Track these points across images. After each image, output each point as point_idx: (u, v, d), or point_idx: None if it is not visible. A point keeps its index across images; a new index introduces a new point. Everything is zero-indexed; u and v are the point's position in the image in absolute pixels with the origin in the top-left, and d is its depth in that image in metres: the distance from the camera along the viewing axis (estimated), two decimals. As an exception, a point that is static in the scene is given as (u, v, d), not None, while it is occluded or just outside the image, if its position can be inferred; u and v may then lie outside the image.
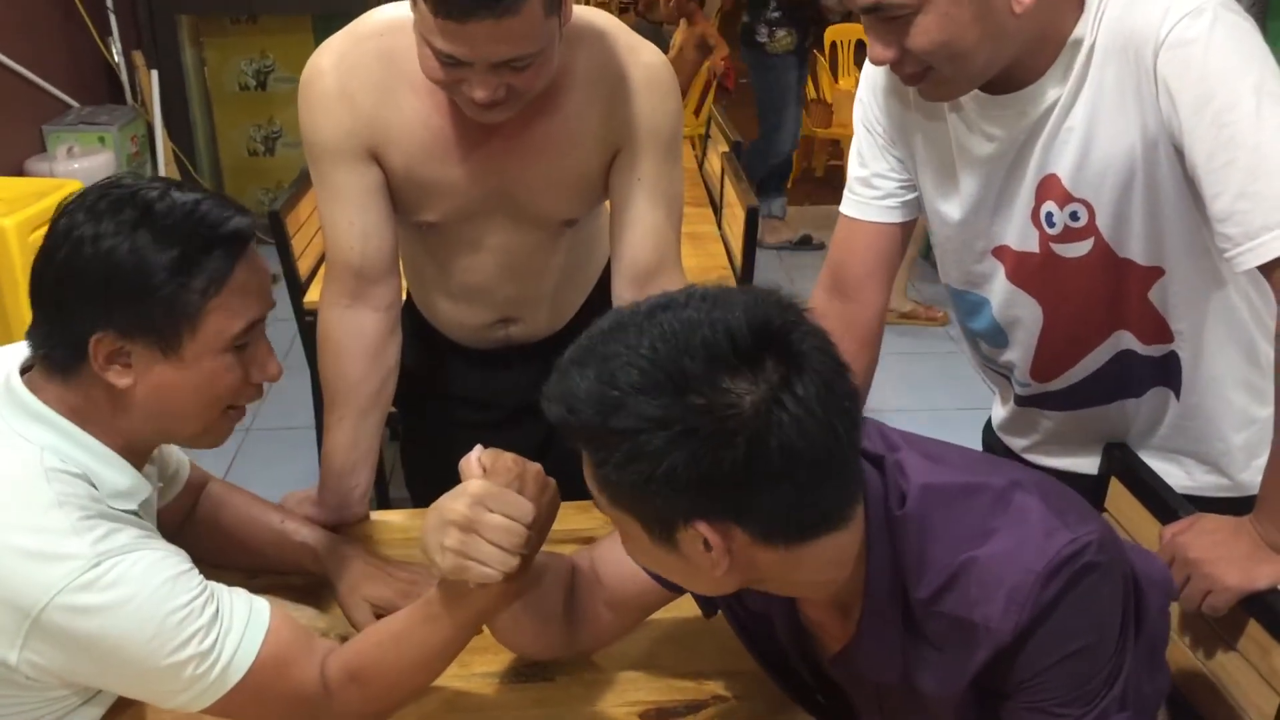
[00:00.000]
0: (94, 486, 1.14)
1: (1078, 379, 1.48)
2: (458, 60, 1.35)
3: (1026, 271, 1.42)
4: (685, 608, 1.41)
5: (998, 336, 1.52)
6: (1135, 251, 1.34)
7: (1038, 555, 0.97)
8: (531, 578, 1.21)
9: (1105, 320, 1.42)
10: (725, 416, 0.87)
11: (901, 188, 1.54)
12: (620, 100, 1.55)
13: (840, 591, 1.06)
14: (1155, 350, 1.42)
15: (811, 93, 6.56)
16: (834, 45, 6.98)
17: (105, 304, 1.11)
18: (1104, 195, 1.31)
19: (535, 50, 1.36)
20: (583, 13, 1.58)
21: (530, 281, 1.75)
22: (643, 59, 1.56)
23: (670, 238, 1.63)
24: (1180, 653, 1.38)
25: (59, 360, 1.15)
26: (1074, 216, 1.34)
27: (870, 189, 1.55)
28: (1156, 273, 1.35)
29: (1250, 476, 1.48)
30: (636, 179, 1.58)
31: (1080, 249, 1.36)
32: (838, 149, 6.63)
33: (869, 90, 1.53)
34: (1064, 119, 1.30)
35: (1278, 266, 1.19)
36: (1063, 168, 1.32)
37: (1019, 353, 1.51)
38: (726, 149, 3.47)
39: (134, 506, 1.18)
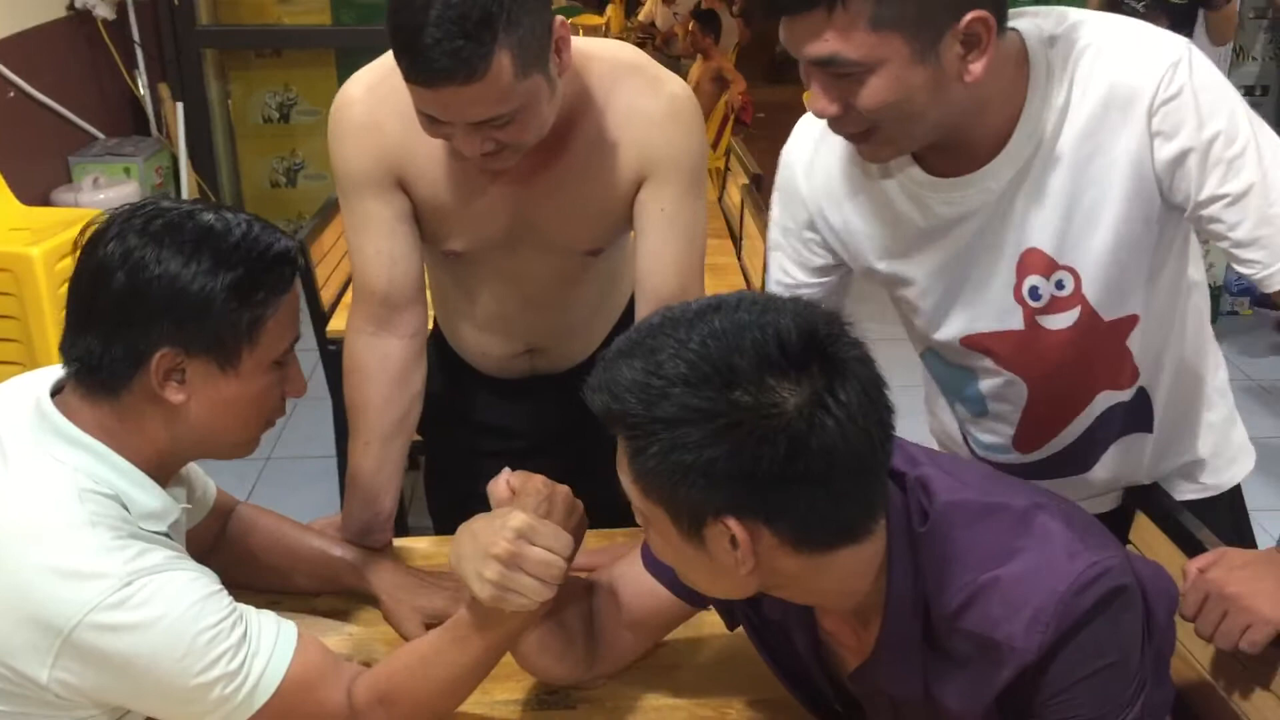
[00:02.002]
0: (125, 508, 1.15)
1: (1060, 448, 1.49)
2: (438, 119, 1.38)
3: (1012, 351, 1.41)
4: (706, 635, 1.42)
5: (977, 405, 1.51)
6: (1116, 308, 1.35)
7: (1061, 576, 0.99)
8: (555, 600, 1.22)
9: (1089, 383, 1.43)
10: (768, 415, 0.90)
11: (823, 289, 1.50)
12: (645, 131, 1.56)
13: (860, 604, 1.07)
14: (1128, 393, 1.44)
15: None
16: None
17: (171, 324, 1.13)
18: (1089, 257, 1.31)
19: (510, 110, 1.36)
20: (608, 46, 1.61)
21: (556, 311, 1.76)
22: (668, 90, 1.57)
23: (693, 268, 1.64)
24: (1182, 663, 1.37)
25: (108, 379, 1.16)
26: (1059, 285, 1.35)
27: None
28: (1133, 320, 1.37)
29: (1214, 478, 1.55)
30: (660, 209, 1.59)
31: (1066, 319, 1.36)
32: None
33: (800, 172, 1.46)
34: (1038, 190, 1.29)
35: None
36: (1044, 239, 1.32)
37: (1001, 426, 1.51)
38: (746, 181, 3.49)
39: (164, 528, 1.20)
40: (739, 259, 3.36)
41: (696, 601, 1.29)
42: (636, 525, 1.64)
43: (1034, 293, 1.36)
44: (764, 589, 1.05)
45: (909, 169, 1.33)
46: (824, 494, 0.93)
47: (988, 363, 1.43)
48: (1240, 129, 1.21)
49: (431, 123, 1.40)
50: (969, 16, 1.14)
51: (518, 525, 1.14)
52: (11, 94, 4.05)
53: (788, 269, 1.51)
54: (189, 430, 1.19)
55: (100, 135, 4.64)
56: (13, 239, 3.26)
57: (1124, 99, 1.23)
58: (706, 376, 0.91)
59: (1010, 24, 1.24)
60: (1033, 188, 1.29)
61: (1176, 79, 1.21)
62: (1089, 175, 1.27)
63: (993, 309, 1.38)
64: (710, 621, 1.32)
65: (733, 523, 0.94)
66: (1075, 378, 1.42)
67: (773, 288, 1.53)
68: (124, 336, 1.14)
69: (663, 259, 1.61)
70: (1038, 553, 1.01)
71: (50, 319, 3.17)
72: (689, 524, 0.97)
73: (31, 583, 1.07)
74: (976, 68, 1.18)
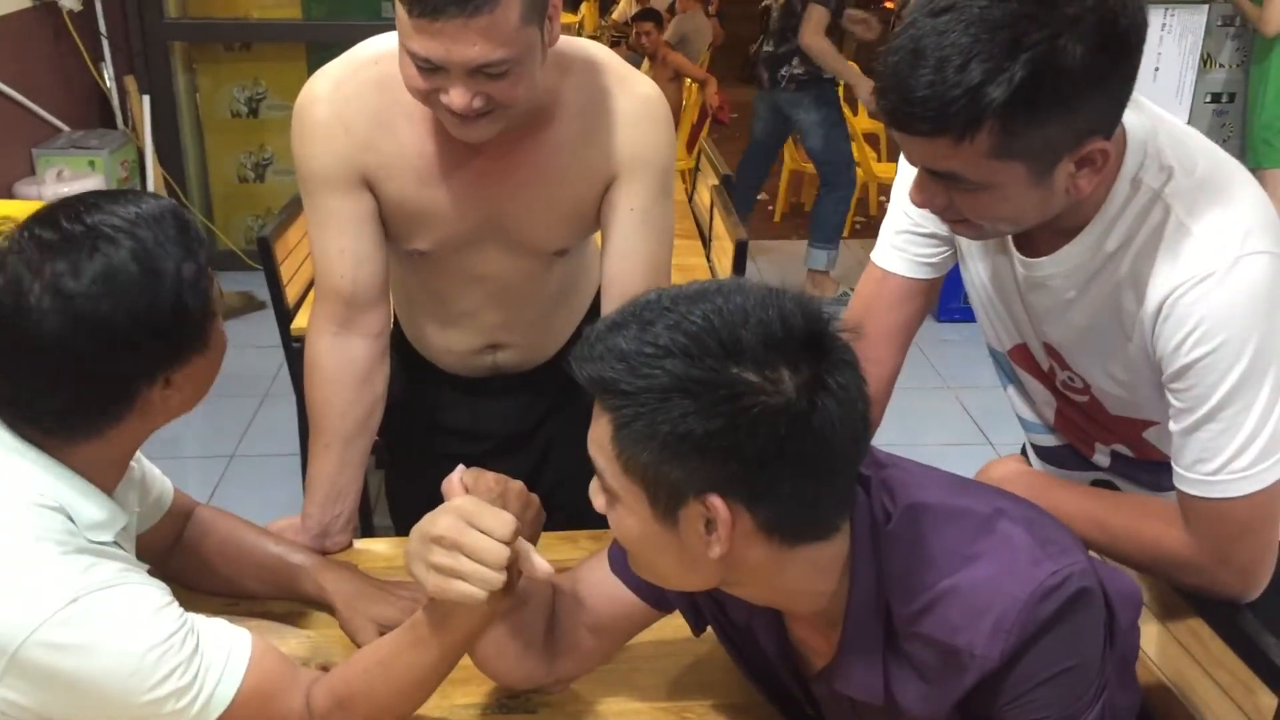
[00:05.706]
0: (71, 520, 1.12)
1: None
2: (434, 65, 1.35)
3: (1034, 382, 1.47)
4: (668, 639, 1.41)
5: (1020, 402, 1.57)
6: (1130, 411, 1.37)
7: (1023, 583, 0.98)
8: (515, 600, 1.21)
9: (1101, 438, 1.46)
10: (771, 392, 0.90)
11: (942, 242, 1.49)
12: (614, 131, 1.55)
13: (827, 608, 1.06)
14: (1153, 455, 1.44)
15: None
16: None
17: (165, 345, 1.12)
18: (1095, 377, 1.35)
19: (510, 56, 1.34)
20: (577, 43, 1.59)
21: (520, 309, 1.75)
22: (637, 90, 1.57)
23: (662, 268, 1.63)
24: (1148, 668, 1.38)
25: (83, 423, 1.13)
26: (1070, 378, 1.38)
27: (911, 240, 1.49)
28: (1149, 423, 1.37)
29: None
30: (629, 209, 1.58)
31: (1080, 398, 1.40)
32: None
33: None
34: (1071, 300, 1.30)
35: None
36: (1060, 343, 1.35)
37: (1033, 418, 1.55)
38: (716, 182, 3.49)
39: (111, 537, 1.16)
40: (708, 259, 3.36)
41: (661, 605, 1.27)
42: (599, 527, 1.63)
43: (1051, 369, 1.40)
44: (723, 584, 1.04)
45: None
46: (810, 481, 0.93)
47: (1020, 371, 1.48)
48: (1232, 365, 1.16)
49: (425, 74, 1.36)
50: (1089, 147, 1.13)
51: (456, 506, 1.12)
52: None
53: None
54: (164, 418, 1.18)
55: (65, 128, 4.59)
56: (-27, 232, 3.21)
57: (1153, 277, 1.21)
58: (710, 349, 0.90)
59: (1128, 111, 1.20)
60: (1065, 294, 1.31)
61: (1196, 291, 1.18)
62: (1109, 313, 1.27)
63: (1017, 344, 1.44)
64: (673, 625, 1.31)
65: (717, 501, 0.93)
66: (1090, 429, 1.44)
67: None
68: (103, 385, 1.11)
69: (632, 259, 1.60)
70: (999, 559, 1.01)
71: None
72: (666, 503, 0.95)
73: None
74: (1085, 185, 1.17)
